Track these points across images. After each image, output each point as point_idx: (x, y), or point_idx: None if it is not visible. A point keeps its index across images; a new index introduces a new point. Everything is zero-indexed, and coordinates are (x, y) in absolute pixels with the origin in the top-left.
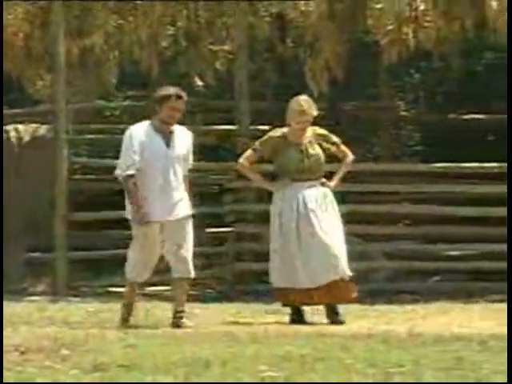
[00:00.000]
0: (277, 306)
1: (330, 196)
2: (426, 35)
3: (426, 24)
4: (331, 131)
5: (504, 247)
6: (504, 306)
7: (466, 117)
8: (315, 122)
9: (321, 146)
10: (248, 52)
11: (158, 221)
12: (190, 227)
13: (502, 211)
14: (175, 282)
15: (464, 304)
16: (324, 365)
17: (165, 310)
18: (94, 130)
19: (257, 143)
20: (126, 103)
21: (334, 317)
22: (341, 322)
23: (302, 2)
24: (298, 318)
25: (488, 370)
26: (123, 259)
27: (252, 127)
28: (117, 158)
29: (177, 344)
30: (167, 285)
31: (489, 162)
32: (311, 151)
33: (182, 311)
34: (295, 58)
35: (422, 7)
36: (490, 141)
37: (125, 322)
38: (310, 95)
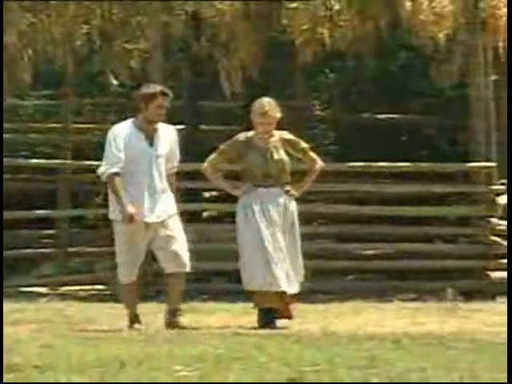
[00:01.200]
0: (194, 305)
1: (292, 207)
2: (341, 35)
3: (340, 24)
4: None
5: (418, 246)
6: (417, 304)
7: (380, 116)
8: (232, 117)
9: (287, 151)
10: (163, 51)
11: (144, 221)
12: (177, 223)
13: (416, 210)
14: (168, 278)
15: (378, 303)
16: (238, 364)
17: (79, 310)
18: (7, 129)
19: (221, 146)
20: (40, 102)
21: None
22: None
23: (217, 1)
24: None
25: (401, 368)
26: (36, 259)
27: None
28: (27, 157)
29: (92, 344)
30: (81, 284)
31: (403, 161)
32: (276, 157)
33: (178, 309)
34: (210, 57)
35: (336, 7)
36: (404, 140)
37: (132, 324)
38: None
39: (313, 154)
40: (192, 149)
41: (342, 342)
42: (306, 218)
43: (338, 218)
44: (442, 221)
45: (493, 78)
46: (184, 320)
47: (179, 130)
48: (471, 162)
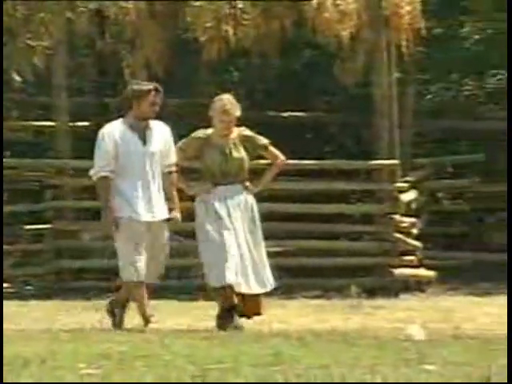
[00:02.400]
0: (97, 303)
1: (252, 204)
2: (245, 33)
3: (244, 22)
4: None
5: (322, 243)
6: (321, 301)
7: (285, 114)
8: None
9: (246, 148)
10: (67, 48)
11: (144, 221)
12: (166, 229)
13: (320, 208)
14: (147, 283)
15: (282, 300)
16: (143, 362)
17: None
18: None
19: (180, 143)
20: None
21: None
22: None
23: (121, 1)
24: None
25: (305, 365)
26: None
27: (71, 123)
28: None
29: None
30: (8, 282)
31: (307, 158)
32: (235, 154)
33: (152, 316)
34: (115, 54)
35: (240, 5)
36: (309, 138)
37: (147, 322)
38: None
39: (274, 150)
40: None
41: (247, 340)
42: None
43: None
44: (346, 218)
45: (396, 75)
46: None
47: (83, 127)
48: (375, 159)
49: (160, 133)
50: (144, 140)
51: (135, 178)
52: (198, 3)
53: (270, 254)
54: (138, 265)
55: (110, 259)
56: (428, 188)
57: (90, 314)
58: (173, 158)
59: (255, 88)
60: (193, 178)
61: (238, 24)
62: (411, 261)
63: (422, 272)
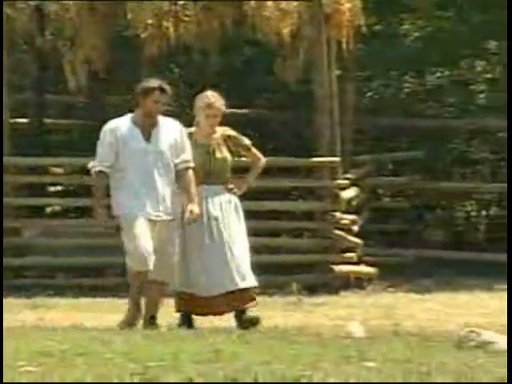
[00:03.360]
0: (38, 300)
1: (236, 203)
2: (186, 30)
3: (185, 19)
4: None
5: (263, 240)
6: (263, 298)
7: (226, 111)
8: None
9: (229, 148)
10: (6, 44)
11: (147, 218)
12: (175, 228)
13: (261, 205)
14: (152, 283)
15: None
16: (83, 359)
17: None
18: None
19: None
20: None
21: (243, 318)
22: (254, 318)
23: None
24: (187, 324)
25: (246, 362)
26: None
27: (12, 120)
28: None
29: None
30: None
31: None
32: (218, 154)
33: (152, 317)
34: (55, 50)
35: (181, 2)
36: (250, 135)
37: (131, 322)
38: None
39: (255, 151)
40: (36, 142)
41: (188, 337)
42: None
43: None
44: (287, 215)
45: (336, 72)
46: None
47: (23, 124)
48: (316, 156)
49: (168, 130)
50: (148, 138)
51: (139, 175)
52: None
53: None
54: (136, 253)
55: (55, 257)
56: (368, 185)
57: (31, 312)
58: (187, 154)
59: (196, 85)
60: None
61: (178, 21)
62: (351, 258)
63: (363, 269)
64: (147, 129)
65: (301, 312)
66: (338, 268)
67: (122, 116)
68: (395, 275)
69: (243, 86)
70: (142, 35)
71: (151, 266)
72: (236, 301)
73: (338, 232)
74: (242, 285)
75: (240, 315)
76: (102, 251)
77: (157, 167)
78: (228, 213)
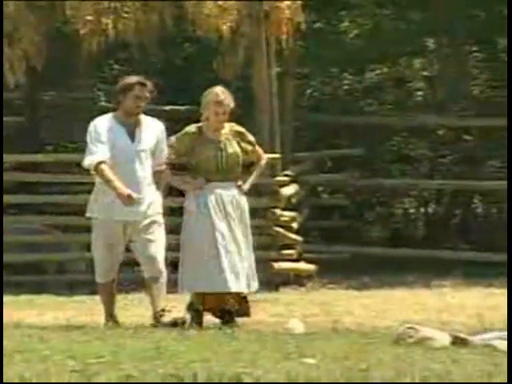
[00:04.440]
0: None
1: (243, 202)
2: (125, 26)
3: (124, 15)
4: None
5: None
6: None
7: (166, 108)
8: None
9: (239, 144)
10: None
11: (121, 219)
12: (159, 225)
13: None
14: (147, 282)
15: (167, 294)
16: (21, 357)
17: None
18: None
19: (172, 140)
20: None
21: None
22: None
23: None
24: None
25: (187, 360)
26: None
27: None
28: None
29: None
30: None
31: None
32: (229, 150)
33: (161, 311)
34: None
35: None
36: None
37: (107, 322)
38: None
39: (259, 149)
40: None
41: (128, 334)
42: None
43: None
44: None
45: (276, 70)
46: (168, 319)
47: None
48: None
49: (151, 130)
50: (133, 137)
51: (121, 174)
52: None
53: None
54: (107, 265)
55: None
56: (308, 182)
57: None
58: (163, 156)
59: None
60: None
61: (118, 17)
62: (291, 255)
63: (302, 266)
64: (132, 127)
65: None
66: (277, 265)
67: (56, 112)
68: (334, 272)
69: (183, 82)
70: (81, 31)
71: (110, 278)
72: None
73: (277, 229)
74: (246, 289)
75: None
76: (41, 248)
77: (141, 167)
78: (235, 211)
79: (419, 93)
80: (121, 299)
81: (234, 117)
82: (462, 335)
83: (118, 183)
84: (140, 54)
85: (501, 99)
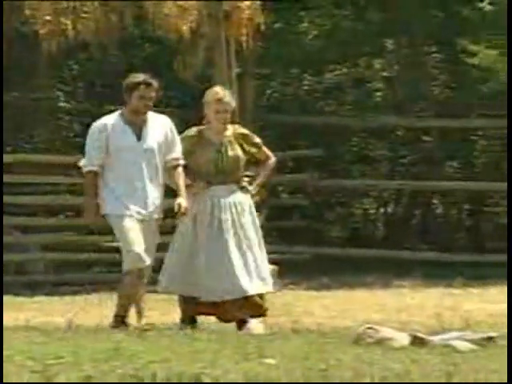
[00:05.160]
0: None
1: (250, 204)
2: (85, 26)
3: (84, 15)
4: None
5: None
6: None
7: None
8: None
9: (242, 146)
10: None
11: (135, 217)
12: (157, 228)
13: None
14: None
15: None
16: None
17: None
18: None
19: None
20: None
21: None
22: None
23: None
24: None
25: (146, 360)
26: None
27: None
28: None
29: None
30: None
31: None
32: (230, 152)
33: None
34: None
35: None
36: None
37: (119, 320)
38: None
39: (266, 149)
40: None
41: (88, 334)
42: (50, 211)
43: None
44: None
45: (236, 70)
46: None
47: None
48: None
49: (159, 127)
50: (139, 135)
51: (128, 175)
52: None
53: (112, 249)
54: (131, 251)
55: None
56: (268, 182)
57: None
58: (177, 151)
59: (94, 82)
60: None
61: (77, 17)
62: None
63: None
64: (138, 126)
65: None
66: None
67: (16, 113)
68: (294, 273)
69: None
70: (41, 31)
71: (147, 262)
72: (245, 308)
73: None
74: (252, 292)
75: (241, 323)
76: None
77: (147, 166)
78: (240, 214)
79: (378, 93)
80: (81, 300)
81: (198, 118)
82: (421, 335)
83: (89, 200)
84: (100, 54)
85: (459, 100)
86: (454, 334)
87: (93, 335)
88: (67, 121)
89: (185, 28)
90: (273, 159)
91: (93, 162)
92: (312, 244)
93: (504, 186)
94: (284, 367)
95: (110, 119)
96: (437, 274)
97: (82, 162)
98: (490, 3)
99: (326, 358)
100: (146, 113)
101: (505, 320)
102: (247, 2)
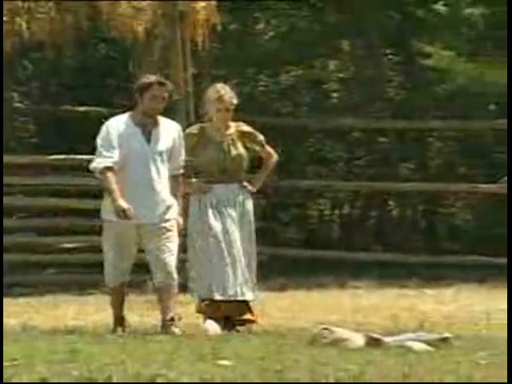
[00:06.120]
0: None
1: (249, 204)
2: (39, 26)
3: (38, 15)
4: None
5: None
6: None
7: (81, 109)
8: None
9: (245, 144)
10: None
11: (135, 222)
12: (173, 230)
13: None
14: (158, 288)
15: (79, 296)
16: None
17: None
18: None
19: None
20: None
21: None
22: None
23: None
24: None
25: (100, 362)
26: None
27: None
28: None
29: None
30: None
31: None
32: (233, 151)
33: (170, 319)
34: None
35: None
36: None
37: (116, 326)
38: None
39: (268, 147)
40: None
41: (42, 336)
42: (5, 212)
43: (37, 210)
44: None
45: (192, 71)
46: (177, 329)
47: None
48: None
49: (169, 131)
50: (149, 138)
51: (137, 176)
52: None
53: (65, 250)
54: (117, 268)
55: None
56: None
57: None
58: (181, 160)
59: (49, 82)
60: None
61: (32, 17)
62: None
63: None
64: (148, 128)
65: (157, 311)
66: None
67: None
68: None
69: (99, 83)
70: None
71: (121, 281)
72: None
73: None
74: (241, 297)
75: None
76: None
77: (156, 170)
78: (241, 215)
79: (335, 95)
80: (35, 303)
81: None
82: (377, 336)
83: (117, 195)
84: (55, 54)
85: (415, 101)
86: (410, 334)
87: (47, 337)
88: (22, 121)
89: (140, 28)
90: (275, 158)
91: (108, 158)
92: (268, 245)
93: (459, 186)
94: (240, 368)
95: (121, 120)
96: (392, 275)
97: (92, 165)
98: (445, 5)
99: (281, 359)
100: (158, 113)
101: (458, 321)
102: (202, 3)
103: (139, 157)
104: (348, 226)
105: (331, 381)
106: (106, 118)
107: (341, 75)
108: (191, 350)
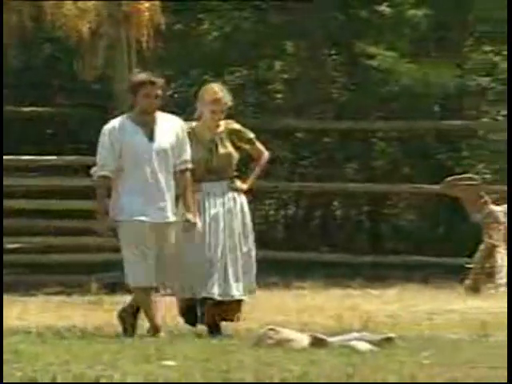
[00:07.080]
0: None
1: (241, 202)
2: None
3: None
4: None
5: (63, 239)
6: (62, 298)
7: (25, 109)
8: None
9: (234, 143)
10: None
11: (149, 221)
12: (175, 231)
13: (61, 204)
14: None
15: (22, 297)
16: None
17: None
18: None
19: None
20: None
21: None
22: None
23: None
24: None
25: (44, 362)
26: None
27: None
28: None
29: None
30: None
31: (48, 154)
32: (222, 150)
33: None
34: None
35: None
36: (50, 133)
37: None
38: None
39: (259, 145)
40: None
41: None
42: None
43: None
44: (83, 214)
45: (136, 71)
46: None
47: None
48: None
49: (170, 127)
50: (150, 136)
51: (141, 176)
52: None
53: (9, 250)
54: (143, 268)
55: None
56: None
57: None
58: (187, 153)
59: None
60: None
61: None
62: None
63: None
64: (149, 126)
65: (100, 311)
66: None
67: None
68: None
69: (43, 83)
70: None
71: (152, 282)
72: (219, 310)
73: None
74: (237, 296)
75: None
76: None
77: (160, 167)
78: (230, 213)
79: (279, 95)
80: None
81: (96, 118)
82: (321, 336)
83: (100, 206)
84: None
85: (359, 102)
86: (354, 334)
87: None
88: None
89: (84, 28)
90: (266, 155)
91: (105, 167)
92: None
93: (403, 187)
94: (184, 369)
95: (120, 122)
96: (337, 275)
97: (93, 169)
98: (388, 6)
99: (227, 360)
100: (153, 112)
101: (402, 321)
102: (147, 3)
103: (143, 156)
104: (292, 227)
105: (276, 381)
106: (48, 118)
107: (285, 76)
108: (136, 351)
